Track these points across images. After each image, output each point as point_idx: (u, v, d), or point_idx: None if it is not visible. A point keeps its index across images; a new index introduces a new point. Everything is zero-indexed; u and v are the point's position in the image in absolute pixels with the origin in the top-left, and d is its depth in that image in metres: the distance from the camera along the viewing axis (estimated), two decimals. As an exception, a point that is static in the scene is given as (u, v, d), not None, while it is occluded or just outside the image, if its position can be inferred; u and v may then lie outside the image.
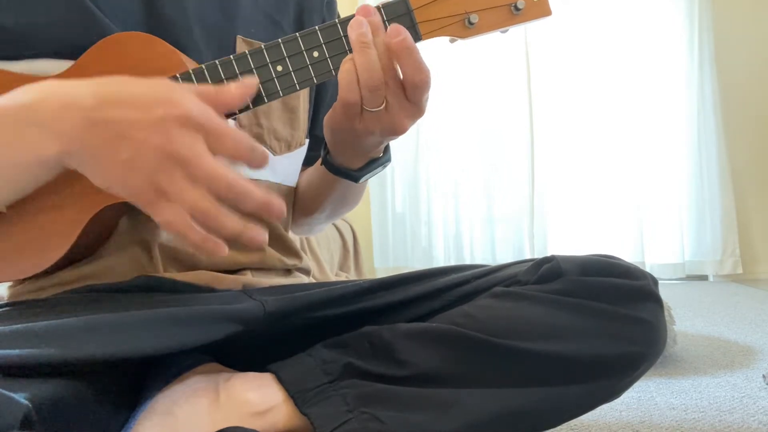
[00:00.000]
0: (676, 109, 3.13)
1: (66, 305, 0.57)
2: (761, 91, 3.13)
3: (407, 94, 0.56)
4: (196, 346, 0.54)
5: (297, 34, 0.56)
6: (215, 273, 0.67)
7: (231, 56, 0.57)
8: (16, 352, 0.43)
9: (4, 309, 0.59)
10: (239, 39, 0.68)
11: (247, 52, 0.56)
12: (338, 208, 0.81)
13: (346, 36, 0.57)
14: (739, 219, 3.09)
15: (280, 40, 0.55)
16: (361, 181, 0.68)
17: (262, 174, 0.71)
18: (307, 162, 0.80)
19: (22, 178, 0.50)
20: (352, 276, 2.18)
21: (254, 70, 0.55)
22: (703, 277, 3.15)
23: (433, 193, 3.35)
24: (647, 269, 2.19)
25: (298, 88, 0.56)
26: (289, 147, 0.74)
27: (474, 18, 0.56)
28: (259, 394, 0.55)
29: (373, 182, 3.36)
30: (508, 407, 0.57)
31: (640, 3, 3.11)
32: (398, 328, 0.59)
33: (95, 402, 0.49)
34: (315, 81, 0.57)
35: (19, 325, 0.46)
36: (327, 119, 0.63)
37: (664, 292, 0.75)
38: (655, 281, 0.64)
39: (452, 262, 3.26)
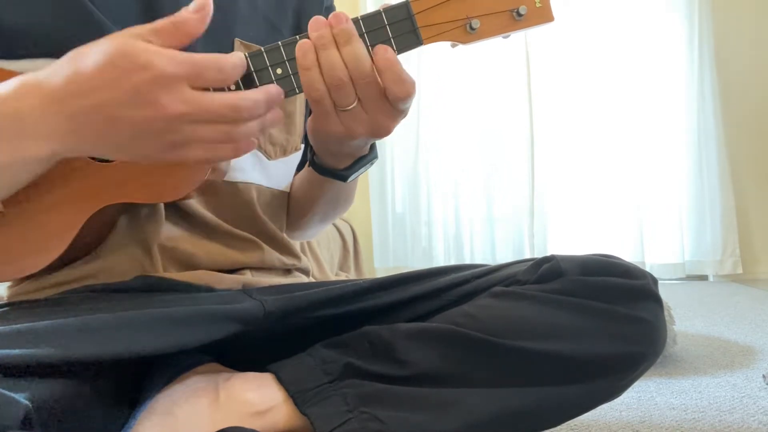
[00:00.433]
0: (676, 109, 3.12)
1: (66, 305, 0.57)
2: (761, 92, 3.13)
3: (389, 101, 0.55)
4: (196, 346, 0.54)
5: (297, 36, 0.55)
6: (215, 273, 0.67)
7: None
8: (16, 352, 0.43)
9: (3, 309, 0.59)
10: (237, 42, 0.68)
11: (246, 54, 0.55)
12: (330, 210, 0.80)
13: None
14: (739, 219, 3.09)
15: (279, 42, 0.54)
16: (349, 180, 0.67)
17: (255, 178, 0.71)
18: (300, 166, 0.79)
19: (21, 177, 0.51)
20: (352, 276, 2.18)
21: (254, 73, 0.54)
22: (703, 277, 3.15)
23: (433, 193, 3.34)
24: (647, 269, 2.18)
25: (297, 91, 0.55)
26: (285, 152, 0.73)
27: (475, 23, 0.55)
28: (259, 394, 0.56)
29: (373, 182, 3.37)
30: (508, 407, 0.57)
31: (639, 3, 3.11)
32: (398, 328, 0.59)
33: (95, 402, 0.49)
34: None
35: (18, 325, 0.46)
36: (308, 122, 0.62)
37: (664, 292, 0.75)
38: (654, 281, 0.64)
39: (452, 262, 3.25)
